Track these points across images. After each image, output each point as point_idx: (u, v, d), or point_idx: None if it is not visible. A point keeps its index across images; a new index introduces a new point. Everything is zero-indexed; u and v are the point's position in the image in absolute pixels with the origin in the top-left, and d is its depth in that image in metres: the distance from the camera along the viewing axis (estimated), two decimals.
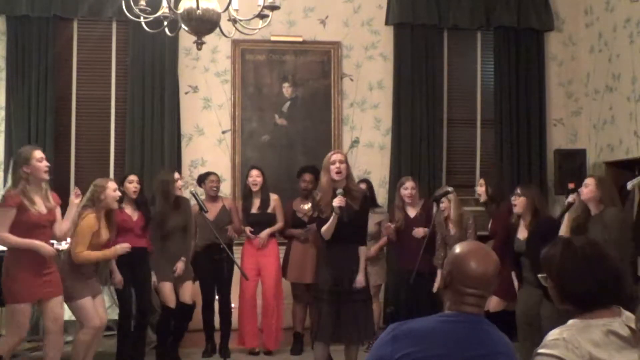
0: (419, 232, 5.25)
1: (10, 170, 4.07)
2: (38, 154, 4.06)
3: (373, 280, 5.70)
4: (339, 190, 4.22)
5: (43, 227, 4.07)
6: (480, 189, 5.33)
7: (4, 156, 6.25)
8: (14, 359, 5.20)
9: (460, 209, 5.27)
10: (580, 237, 1.91)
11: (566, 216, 4.50)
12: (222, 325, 5.49)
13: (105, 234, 4.50)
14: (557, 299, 1.89)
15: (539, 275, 1.96)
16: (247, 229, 5.49)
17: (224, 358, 5.10)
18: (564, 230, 4.45)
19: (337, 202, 4.19)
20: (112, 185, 4.56)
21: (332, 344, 4.46)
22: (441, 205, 5.15)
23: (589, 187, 4.39)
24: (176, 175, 5.30)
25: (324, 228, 4.31)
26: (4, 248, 4.62)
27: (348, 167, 4.38)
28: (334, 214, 4.22)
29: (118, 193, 4.59)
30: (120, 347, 4.92)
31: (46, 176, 4.09)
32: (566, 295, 1.84)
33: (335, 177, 4.28)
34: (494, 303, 4.89)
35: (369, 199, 4.57)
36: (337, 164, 4.28)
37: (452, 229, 5.21)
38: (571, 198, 4.54)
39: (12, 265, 4.00)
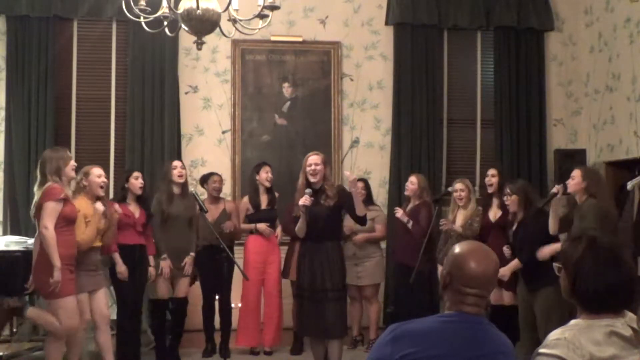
0: (397, 210, 5.40)
1: (46, 169, 4.13)
2: (69, 153, 4.29)
3: (369, 279, 5.74)
4: (307, 190, 4.39)
5: (74, 225, 4.18)
6: (493, 179, 5.23)
7: (4, 156, 6.25)
8: (14, 359, 5.23)
9: (475, 204, 5.27)
10: (605, 238, 1.90)
11: (552, 210, 4.52)
12: (222, 325, 5.49)
13: (101, 222, 4.52)
14: (566, 291, 1.89)
15: (554, 264, 1.96)
16: (264, 226, 5.48)
17: (224, 358, 5.10)
18: (552, 225, 4.50)
19: (302, 201, 4.36)
20: (96, 171, 4.55)
21: (313, 338, 4.60)
22: (455, 193, 5.18)
23: (575, 180, 4.47)
24: (176, 163, 5.26)
25: (296, 228, 4.52)
26: (18, 248, 4.66)
27: (325, 169, 4.51)
28: (301, 213, 4.41)
29: (102, 179, 4.56)
30: (119, 346, 4.91)
31: (74, 174, 4.31)
32: (575, 291, 1.84)
33: (310, 178, 4.44)
34: (508, 297, 4.91)
35: (348, 193, 4.58)
36: (313, 166, 4.44)
37: (459, 220, 5.17)
38: (555, 189, 4.59)
39: (49, 262, 4.01)
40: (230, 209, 5.62)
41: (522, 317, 4.59)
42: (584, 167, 4.82)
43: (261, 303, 5.60)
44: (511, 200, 4.70)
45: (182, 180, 5.18)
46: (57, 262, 3.98)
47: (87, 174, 4.52)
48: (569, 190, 4.51)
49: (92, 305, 4.52)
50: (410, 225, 5.29)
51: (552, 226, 4.49)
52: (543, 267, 4.34)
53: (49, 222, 4.00)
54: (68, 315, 4.09)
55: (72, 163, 4.26)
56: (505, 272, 4.55)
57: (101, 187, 4.55)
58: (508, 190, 4.73)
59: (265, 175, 5.54)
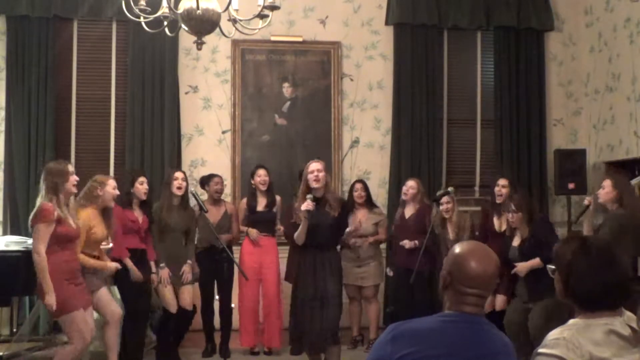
0: (406, 243, 5.37)
1: (43, 183, 4.03)
2: (70, 167, 4.13)
3: (371, 280, 5.75)
4: (309, 196, 4.32)
5: (74, 241, 4.09)
6: (504, 190, 5.21)
7: (4, 156, 6.25)
8: (14, 359, 5.22)
9: (459, 212, 5.30)
10: (596, 238, 1.91)
11: (585, 222, 4.58)
12: (222, 326, 5.50)
13: (101, 232, 4.48)
14: (561, 293, 1.89)
15: (548, 267, 1.96)
16: (254, 231, 5.48)
17: (224, 358, 5.11)
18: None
19: (305, 206, 4.28)
20: (112, 182, 4.57)
21: (312, 349, 4.48)
22: (441, 207, 5.18)
23: (605, 189, 4.47)
24: (177, 174, 5.22)
25: (296, 234, 4.40)
26: (18, 248, 4.63)
27: (326, 177, 4.46)
28: (303, 218, 4.31)
29: (117, 191, 4.59)
30: (123, 348, 4.87)
31: (75, 190, 4.16)
32: (570, 292, 1.84)
33: (313, 184, 4.36)
34: (500, 301, 4.90)
35: (348, 205, 4.66)
36: (315, 173, 4.37)
37: (451, 232, 5.22)
38: (586, 201, 4.63)
39: (52, 277, 3.93)
40: (231, 210, 5.63)
41: (515, 324, 4.58)
42: (614, 175, 4.80)
43: (260, 304, 5.58)
44: (516, 218, 4.70)
45: (180, 193, 5.15)
46: (48, 287, 3.89)
47: (103, 184, 4.50)
48: (600, 200, 4.51)
49: (100, 304, 4.49)
50: (417, 242, 5.28)
51: None
52: (549, 276, 4.34)
53: (40, 246, 3.90)
54: (77, 329, 4.01)
55: (73, 178, 4.12)
56: (522, 268, 4.54)
57: (113, 199, 4.56)
58: (513, 208, 4.70)
59: (259, 179, 5.53)
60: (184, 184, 5.17)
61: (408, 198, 5.56)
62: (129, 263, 4.75)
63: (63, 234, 3.98)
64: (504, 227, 5.08)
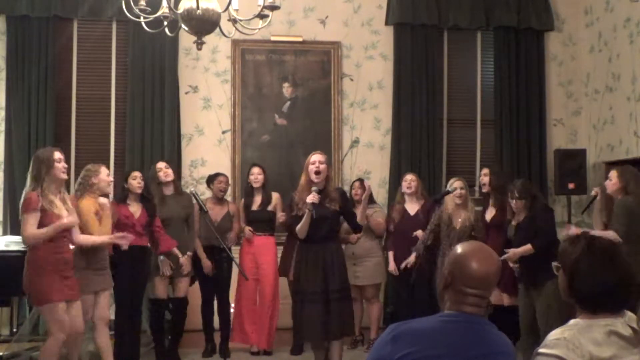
0: (419, 234, 5.27)
1: (29, 172, 4.04)
2: (57, 154, 4.07)
3: (369, 279, 5.73)
4: (314, 188, 4.29)
5: (64, 230, 4.06)
6: (485, 179, 5.22)
7: (4, 156, 6.25)
8: (14, 359, 5.22)
9: (472, 204, 5.25)
10: (604, 240, 1.90)
11: (595, 215, 4.65)
12: (221, 326, 5.49)
13: (114, 217, 4.51)
14: (564, 291, 1.89)
15: (553, 263, 1.96)
16: (247, 229, 5.48)
17: (224, 358, 5.10)
18: (598, 229, 4.59)
19: (310, 198, 4.25)
20: (104, 170, 4.57)
21: (315, 342, 4.50)
22: (454, 192, 5.09)
23: (612, 180, 4.54)
24: (159, 165, 5.30)
25: (298, 226, 4.36)
26: (18, 248, 4.62)
27: (328, 170, 4.43)
28: (307, 211, 4.27)
29: (111, 178, 4.60)
30: (117, 347, 4.85)
31: (64, 177, 4.11)
32: (573, 291, 1.84)
33: (314, 177, 4.34)
34: (507, 298, 4.89)
35: (348, 198, 4.63)
36: (317, 164, 4.35)
37: (460, 221, 5.14)
38: (594, 191, 4.70)
39: (38, 266, 3.95)
40: (233, 210, 5.62)
41: (522, 317, 4.58)
42: (621, 167, 4.82)
43: (257, 302, 5.56)
44: (518, 205, 4.66)
45: (169, 179, 5.20)
46: (62, 226, 3.93)
47: (97, 172, 4.50)
48: (608, 190, 4.57)
49: (96, 306, 4.49)
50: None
51: (599, 229, 4.59)
52: (548, 260, 4.32)
53: (28, 229, 3.90)
54: (56, 320, 3.99)
55: (61, 165, 4.05)
56: (512, 254, 4.49)
57: (109, 185, 4.57)
58: (517, 194, 4.68)
59: (252, 177, 5.52)
60: (169, 171, 5.25)
61: (412, 191, 5.52)
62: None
63: (46, 224, 3.94)
64: (492, 215, 5.06)
